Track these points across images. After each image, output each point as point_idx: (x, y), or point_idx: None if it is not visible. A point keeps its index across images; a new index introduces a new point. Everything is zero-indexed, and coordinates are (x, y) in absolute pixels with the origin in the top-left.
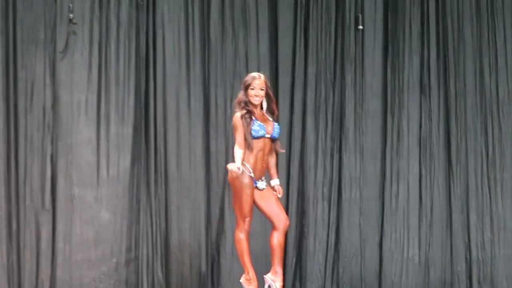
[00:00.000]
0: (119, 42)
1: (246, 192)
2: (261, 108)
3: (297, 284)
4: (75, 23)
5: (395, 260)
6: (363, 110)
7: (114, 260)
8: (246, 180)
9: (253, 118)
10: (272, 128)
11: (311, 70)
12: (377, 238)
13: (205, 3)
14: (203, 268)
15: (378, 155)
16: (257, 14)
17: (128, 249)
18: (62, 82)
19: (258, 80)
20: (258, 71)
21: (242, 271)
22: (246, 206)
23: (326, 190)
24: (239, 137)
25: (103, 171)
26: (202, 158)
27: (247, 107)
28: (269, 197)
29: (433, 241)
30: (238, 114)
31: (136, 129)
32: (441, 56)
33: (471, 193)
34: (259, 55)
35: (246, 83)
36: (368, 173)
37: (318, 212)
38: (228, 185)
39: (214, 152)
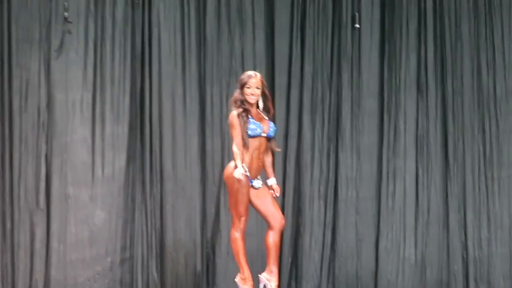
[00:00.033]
0: (115, 41)
1: (242, 191)
2: (257, 106)
3: (293, 284)
4: (70, 22)
5: (391, 259)
6: (360, 109)
7: (109, 259)
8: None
9: (249, 116)
10: (268, 127)
11: (308, 68)
12: (373, 238)
13: (201, 1)
14: (198, 268)
15: (375, 154)
16: (253, 13)
17: (123, 249)
18: (57, 81)
19: (254, 79)
20: (254, 69)
21: (237, 270)
22: (242, 205)
23: (322, 189)
24: (238, 137)
25: (98, 170)
26: (197, 157)
27: (243, 106)
28: (265, 196)
29: (430, 240)
30: (234, 112)
31: (131, 128)
32: (438, 54)
33: (468, 192)
34: (255, 54)
35: (242, 82)
36: (365, 172)
37: (314, 211)
38: (224, 184)
39: (209, 151)
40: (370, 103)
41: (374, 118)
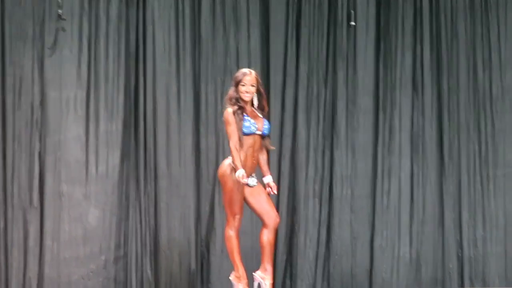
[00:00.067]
0: (109, 38)
1: (236, 189)
2: (252, 104)
3: (287, 282)
4: (64, 19)
5: (386, 257)
6: (355, 107)
7: (103, 257)
8: (236, 177)
9: (244, 114)
10: (262, 125)
11: (303, 66)
12: (368, 236)
13: None
14: (193, 266)
15: (370, 152)
16: (248, 11)
17: (117, 247)
18: (51, 79)
19: (249, 76)
20: (249, 67)
21: (231, 268)
22: (236, 203)
23: (317, 187)
24: (234, 134)
25: (92, 168)
26: (192, 155)
27: (238, 103)
28: (259, 194)
29: (425, 238)
30: (230, 110)
31: (125, 126)
32: (434, 52)
33: (463, 190)
34: (250, 52)
35: (237, 79)
36: (360, 171)
37: (309, 210)
38: (218, 182)
39: (204, 149)
40: (365, 101)
41: (369, 116)
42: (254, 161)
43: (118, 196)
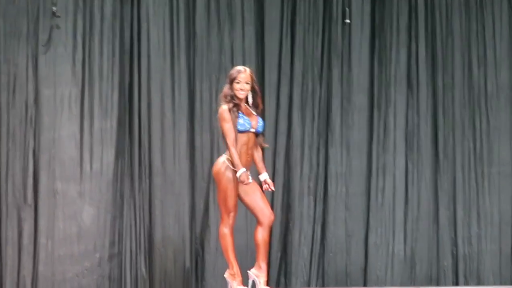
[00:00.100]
0: (103, 36)
1: (231, 186)
2: (246, 102)
3: (282, 279)
4: (58, 16)
5: (381, 255)
6: (350, 104)
7: (97, 255)
8: (230, 174)
9: (239, 111)
10: (257, 123)
11: (298, 64)
12: (362, 233)
13: None
14: (187, 263)
15: (365, 150)
16: (243, 8)
17: (112, 244)
18: (45, 76)
19: (243, 74)
20: (244, 65)
21: (226, 266)
22: (231, 200)
23: (312, 185)
24: (231, 131)
25: (87, 166)
26: (186, 153)
27: (233, 101)
28: (254, 191)
29: (419, 236)
30: (225, 107)
31: (120, 123)
32: (429, 49)
33: (458, 188)
34: (244, 50)
35: (232, 77)
36: (354, 168)
37: (303, 207)
38: (213, 179)
39: (198, 147)
40: (360, 99)
41: (364, 113)
42: (249, 159)
43: (112, 193)
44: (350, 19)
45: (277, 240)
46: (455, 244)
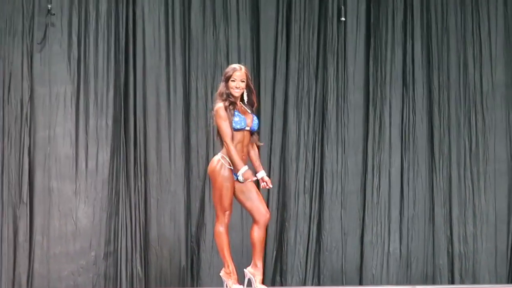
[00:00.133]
0: (98, 34)
1: (226, 185)
2: (241, 100)
3: (278, 278)
4: (54, 14)
5: (376, 253)
6: (345, 102)
7: (93, 253)
8: (226, 173)
9: (235, 109)
10: (252, 121)
11: (293, 62)
12: (358, 232)
13: None
14: (183, 262)
15: (360, 148)
16: (238, 6)
17: (107, 242)
18: (40, 74)
19: (239, 72)
20: (239, 63)
21: (221, 264)
22: (226, 199)
23: (307, 183)
24: (228, 129)
25: (82, 164)
26: (182, 151)
27: (229, 99)
28: (250, 190)
29: (415, 234)
30: (221, 105)
31: (115, 121)
32: (425, 48)
33: (454, 186)
34: (240, 48)
35: (227, 75)
36: (350, 166)
37: (299, 205)
38: (208, 178)
39: (194, 145)
40: (355, 97)
41: (359, 111)
42: (244, 157)
43: (108, 192)
44: (345, 17)
45: (273, 239)
46: (450, 242)
